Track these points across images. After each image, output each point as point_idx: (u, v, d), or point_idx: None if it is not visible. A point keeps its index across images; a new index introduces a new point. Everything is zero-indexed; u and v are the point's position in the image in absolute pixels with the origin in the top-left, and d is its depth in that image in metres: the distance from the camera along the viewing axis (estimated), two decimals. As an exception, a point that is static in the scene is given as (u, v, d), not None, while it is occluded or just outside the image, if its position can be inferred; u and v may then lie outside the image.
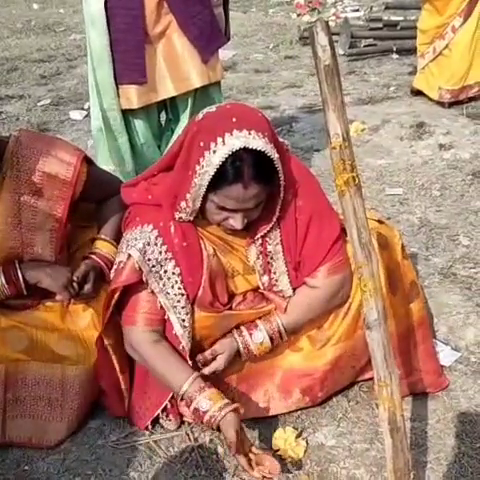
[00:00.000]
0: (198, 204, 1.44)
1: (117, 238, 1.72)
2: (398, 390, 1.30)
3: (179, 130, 2.54)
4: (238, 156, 1.34)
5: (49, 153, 1.63)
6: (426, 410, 1.71)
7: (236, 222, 1.44)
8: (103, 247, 1.74)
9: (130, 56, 2.32)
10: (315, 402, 1.72)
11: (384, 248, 1.61)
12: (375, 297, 1.26)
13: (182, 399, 1.51)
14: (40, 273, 1.64)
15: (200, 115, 1.43)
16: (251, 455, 1.46)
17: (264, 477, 1.43)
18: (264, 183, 1.40)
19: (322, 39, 1.14)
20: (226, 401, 1.47)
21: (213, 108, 1.44)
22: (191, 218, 1.50)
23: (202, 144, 1.36)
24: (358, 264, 1.27)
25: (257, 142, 1.33)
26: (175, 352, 1.55)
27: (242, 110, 1.43)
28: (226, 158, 1.33)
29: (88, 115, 4.02)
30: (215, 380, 1.57)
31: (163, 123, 2.65)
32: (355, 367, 1.73)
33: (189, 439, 1.66)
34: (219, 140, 1.33)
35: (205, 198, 1.42)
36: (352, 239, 1.27)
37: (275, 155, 1.37)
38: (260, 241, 1.55)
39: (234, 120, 1.35)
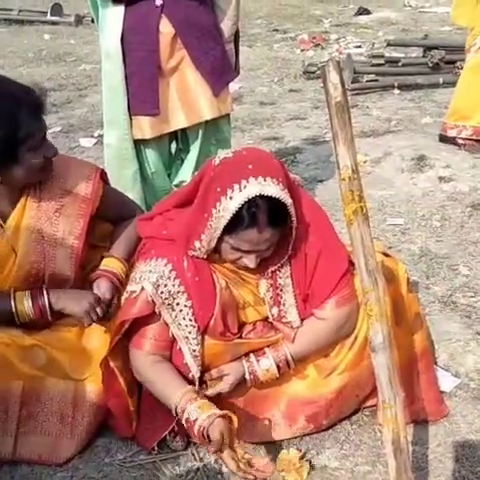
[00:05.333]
0: (213, 245, 1.49)
1: (128, 258, 1.78)
2: (402, 412, 1.32)
3: (189, 160, 2.61)
4: (254, 202, 1.39)
5: (69, 171, 1.72)
6: (427, 434, 1.74)
7: (250, 262, 1.49)
8: (114, 264, 1.77)
9: (144, 89, 2.39)
10: (319, 429, 1.75)
11: (390, 281, 1.62)
12: (381, 321, 1.30)
13: (177, 414, 1.53)
14: (65, 300, 1.68)
15: (217, 160, 1.48)
16: (246, 455, 1.45)
17: (256, 478, 1.44)
18: (278, 227, 1.46)
19: (334, 77, 1.21)
20: (216, 410, 1.47)
21: (229, 154, 1.48)
22: (205, 257, 1.54)
23: (219, 189, 1.41)
24: (365, 289, 1.30)
25: (272, 189, 1.39)
26: (174, 371, 1.59)
27: (258, 156, 1.48)
28: (242, 204, 1.39)
29: (97, 142, 4.11)
30: (221, 404, 1.58)
31: (173, 153, 2.71)
32: (359, 396, 1.76)
33: (195, 459, 1.68)
34: (236, 187, 1.39)
35: (220, 239, 1.47)
36: (359, 266, 1.31)
37: (288, 200, 1.43)
38: (270, 274, 1.59)
39: (250, 167, 1.41)
